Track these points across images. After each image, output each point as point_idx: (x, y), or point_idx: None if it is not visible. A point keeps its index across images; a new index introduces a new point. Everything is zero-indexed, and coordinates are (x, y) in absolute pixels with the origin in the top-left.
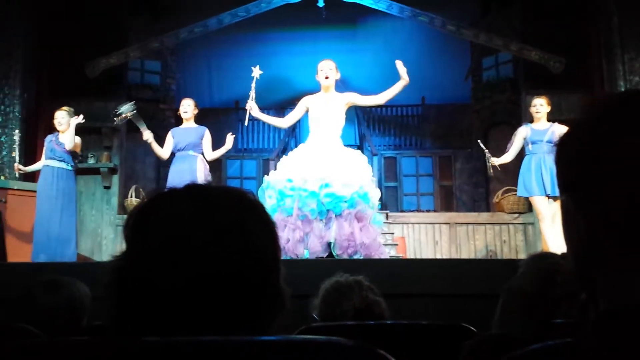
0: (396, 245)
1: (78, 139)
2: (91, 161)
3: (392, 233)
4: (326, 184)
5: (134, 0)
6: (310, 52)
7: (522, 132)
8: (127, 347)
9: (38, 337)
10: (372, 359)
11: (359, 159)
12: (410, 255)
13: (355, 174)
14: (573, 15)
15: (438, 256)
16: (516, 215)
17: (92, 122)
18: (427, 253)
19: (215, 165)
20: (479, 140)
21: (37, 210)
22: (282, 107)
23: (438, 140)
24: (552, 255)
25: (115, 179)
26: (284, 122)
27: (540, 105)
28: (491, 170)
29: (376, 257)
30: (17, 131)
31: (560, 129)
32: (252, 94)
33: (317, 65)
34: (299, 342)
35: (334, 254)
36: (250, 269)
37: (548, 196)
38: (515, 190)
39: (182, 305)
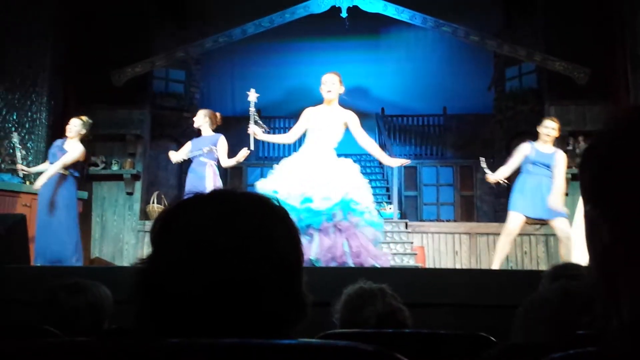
0: (415, 254)
1: (81, 148)
2: (115, 167)
3: (412, 242)
4: (307, 198)
5: (160, 9)
6: (333, 62)
7: (525, 150)
8: (145, 348)
9: (59, 337)
10: None
11: (349, 168)
12: (429, 265)
13: (338, 185)
14: (597, 24)
15: (457, 266)
16: (538, 226)
17: (116, 129)
18: (447, 263)
19: (236, 173)
20: (481, 158)
21: (37, 215)
22: None
23: (459, 150)
24: (576, 267)
25: (138, 185)
26: (289, 138)
27: (552, 129)
28: (492, 182)
29: (371, 263)
30: (15, 133)
31: (563, 158)
32: (252, 117)
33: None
34: (318, 346)
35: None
36: (273, 276)
37: (528, 218)
38: None
39: (204, 310)
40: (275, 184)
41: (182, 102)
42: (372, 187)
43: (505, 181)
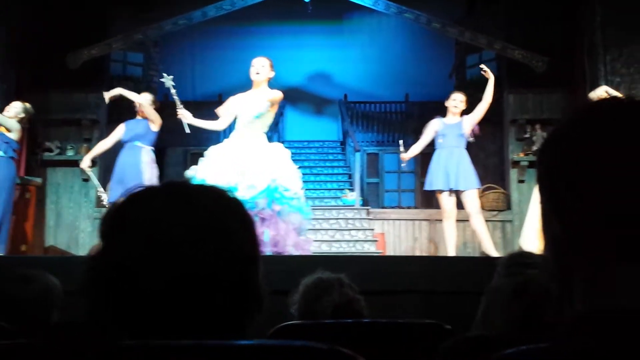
0: (376, 241)
1: (18, 125)
2: (70, 153)
3: (372, 229)
4: (231, 188)
5: None
6: (295, 46)
7: (434, 126)
8: (95, 350)
9: (6, 330)
10: None
11: (279, 154)
12: (389, 251)
13: (265, 172)
14: (557, 15)
15: (417, 253)
16: (495, 212)
17: (72, 114)
18: (406, 249)
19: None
20: (400, 141)
21: None
22: None
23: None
24: (531, 255)
25: (95, 171)
26: (220, 124)
27: (460, 102)
28: (404, 163)
29: (290, 251)
30: None
31: (470, 119)
32: (177, 102)
33: (274, 59)
34: (274, 346)
35: None
36: (229, 269)
37: (451, 190)
38: (495, 188)
39: (158, 304)
40: (204, 173)
41: (140, 85)
42: (334, 174)
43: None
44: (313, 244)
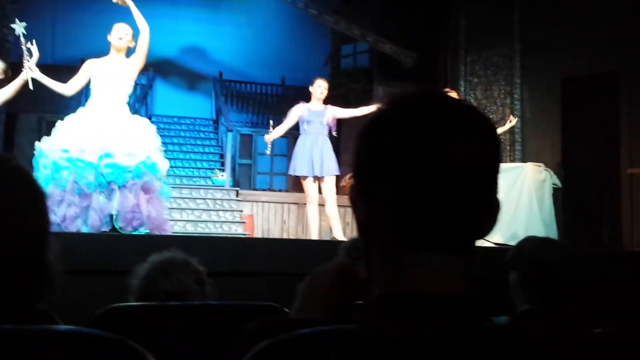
0: (244, 222)
1: None
2: None
3: (241, 211)
4: (106, 154)
5: None
6: (169, 16)
7: (298, 111)
8: None
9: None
10: (120, 351)
11: (146, 127)
12: (258, 233)
13: (140, 143)
14: (427, 15)
15: (285, 236)
16: None
17: None
18: (275, 232)
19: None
20: (270, 121)
21: None
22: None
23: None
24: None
25: None
26: (67, 89)
27: (325, 88)
28: (268, 150)
29: (162, 231)
30: None
31: (334, 110)
32: (25, 53)
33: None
34: (35, 332)
35: (117, 227)
36: (16, 244)
37: (316, 177)
38: None
39: None
40: (63, 142)
41: None
42: (206, 153)
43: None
44: (178, 224)
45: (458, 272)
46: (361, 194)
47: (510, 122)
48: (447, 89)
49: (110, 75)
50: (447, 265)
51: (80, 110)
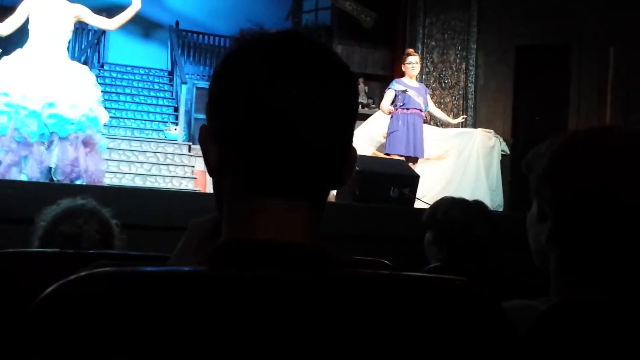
0: (195, 178)
1: None
2: None
3: (193, 166)
4: (50, 103)
5: None
6: None
7: None
8: None
9: None
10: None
11: (87, 76)
12: (209, 189)
13: (83, 94)
14: None
15: None
16: None
17: None
18: None
19: None
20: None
21: None
22: None
23: None
24: None
25: None
26: (2, 28)
27: None
28: None
29: (98, 184)
30: None
31: None
32: None
33: None
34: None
35: (55, 179)
36: None
37: None
38: None
39: None
40: (1, 85)
41: None
42: (160, 105)
43: None
44: (126, 177)
45: (306, 219)
46: (212, 135)
47: (462, 117)
48: (409, 50)
49: (50, 17)
50: (294, 212)
51: (17, 51)
